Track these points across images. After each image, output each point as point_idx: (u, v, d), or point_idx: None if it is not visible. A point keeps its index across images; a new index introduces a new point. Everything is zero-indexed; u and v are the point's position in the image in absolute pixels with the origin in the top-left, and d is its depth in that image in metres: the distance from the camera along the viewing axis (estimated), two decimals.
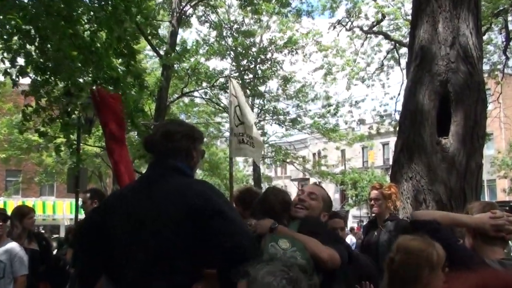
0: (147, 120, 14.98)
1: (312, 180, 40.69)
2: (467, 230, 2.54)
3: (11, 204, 20.20)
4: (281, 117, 22.24)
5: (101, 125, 4.42)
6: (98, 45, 6.19)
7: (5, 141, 21.76)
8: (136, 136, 15.72)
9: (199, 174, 31.20)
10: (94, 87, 5.85)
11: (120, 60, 6.78)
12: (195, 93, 21.27)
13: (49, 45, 5.92)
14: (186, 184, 2.15)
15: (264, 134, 22.36)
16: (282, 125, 22.69)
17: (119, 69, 6.57)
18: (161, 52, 15.94)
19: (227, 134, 24.10)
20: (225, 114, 22.44)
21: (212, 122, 23.33)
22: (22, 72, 5.95)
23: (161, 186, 2.16)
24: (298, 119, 22.86)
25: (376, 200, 4.56)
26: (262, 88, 21.88)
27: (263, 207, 2.80)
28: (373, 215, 4.77)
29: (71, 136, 7.74)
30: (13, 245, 4.52)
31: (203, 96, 21.39)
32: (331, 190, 45.01)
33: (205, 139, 24.02)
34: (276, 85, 22.74)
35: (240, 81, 18.69)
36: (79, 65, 5.84)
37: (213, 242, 2.05)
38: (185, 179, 2.20)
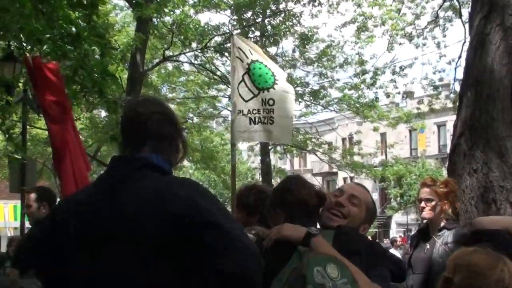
0: (118, 92, 15.39)
1: (342, 175, 41.36)
2: None
3: None
4: (299, 88, 21.18)
5: (40, 103, 4.49)
6: None
7: None
8: (104, 115, 16.40)
9: (187, 167, 31.27)
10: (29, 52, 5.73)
11: (77, 12, 6.80)
12: (182, 57, 20.73)
13: None
14: (165, 185, 2.12)
15: None
16: (301, 100, 21.80)
17: (79, 23, 6.61)
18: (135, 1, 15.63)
19: (225, 112, 24.15)
20: (222, 86, 22.12)
21: (205, 96, 22.37)
22: None
23: (129, 188, 2.12)
24: (322, 91, 22.27)
25: (427, 201, 4.53)
26: (272, 50, 20.81)
27: (288, 201, 2.78)
28: (424, 221, 4.78)
29: (15, 115, 7.66)
30: None
31: (192, 61, 20.67)
32: (368, 187, 43.10)
33: (195, 119, 24.00)
34: (291, 46, 21.90)
35: None
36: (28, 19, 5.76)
37: (205, 266, 1.98)
38: (162, 178, 2.17)
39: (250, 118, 5.79)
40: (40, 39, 5.91)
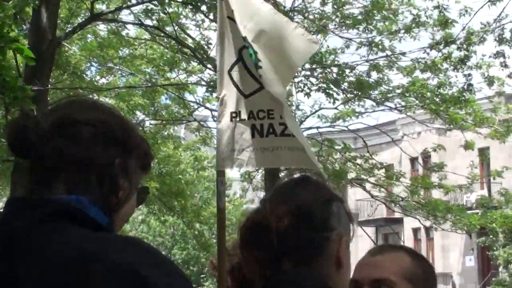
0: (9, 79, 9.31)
1: (410, 223, 30.58)
2: None
3: None
4: (333, 70, 13.47)
5: None
6: None
7: None
8: None
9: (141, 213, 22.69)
10: None
11: None
12: (123, 14, 13.80)
13: None
14: (92, 248, 1.48)
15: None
16: (337, 92, 13.59)
17: None
18: None
19: (204, 112, 16.33)
20: (196, 65, 14.67)
21: (166, 83, 14.74)
22: None
23: (32, 252, 1.53)
24: (374, 75, 13.59)
25: None
26: (287, 1, 12.67)
27: None
28: None
29: None
30: None
31: (143, 21, 13.02)
32: (457, 244, 32.23)
33: (148, 123, 16.34)
34: None
35: None
36: None
37: None
38: (89, 236, 1.51)
39: (254, 127, 4.06)
40: None
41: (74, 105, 1.66)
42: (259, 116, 4.12)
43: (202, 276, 31.94)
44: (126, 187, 1.60)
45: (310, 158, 4.33)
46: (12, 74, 12.05)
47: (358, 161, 15.59)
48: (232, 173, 21.21)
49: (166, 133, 16.18)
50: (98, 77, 15.57)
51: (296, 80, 13.08)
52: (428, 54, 13.20)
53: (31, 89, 10.75)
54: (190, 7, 12.11)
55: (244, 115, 4.12)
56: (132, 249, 1.49)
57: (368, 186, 16.28)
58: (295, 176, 2.09)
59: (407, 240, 31.60)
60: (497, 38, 12.60)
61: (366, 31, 13.11)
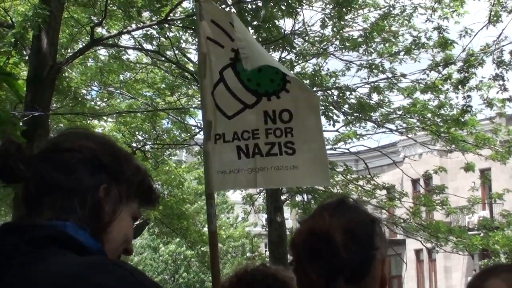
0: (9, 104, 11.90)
1: (412, 245, 29.96)
2: None
3: None
4: (334, 92, 12.92)
5: None
6: None
7: None
8: None
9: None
10: None
11: None
12: (124, 40, 13.46)
13: None
14: (76, 270, 1.49)
15: None
16: (337, 114, 13.00)
17: None
18: None
19: (198, 139, 15.11)
20: (197, 89, 13.31)
21: (167, 108, 14.12)
22: None
23: (17, 276, 1.54)
24: (375, 97, 13.21)
25: None
26: (287, 24, 12.65)
27: None
28: None
29: None
30: None
31: (143, 46, 12.62)
32: (460, 265, 31.39)
33: (148, 147, 15.94)
34: (318, 16, 12.61)
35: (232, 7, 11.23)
36: None
37: None
38: (75, 259, 1.53)
39: (240, 148, 3.92)
40: None
41: (66, 134, 1.72)
42: (243, 137, 4.00)
43: None
44: (110, 212, 1.60)
45: (308, 178, 4.24)
46: (3, 107, 11.77)
47: (360, 182, 15.15)
48: (234, 197, 20.92)
49: (167, 154, 15.72)
50: (99, 101, 15.19)
51: None
52: (427, 75, 12.80)
53: (31, 115, 10.32)
54: (190, 31, 11.64)
55: (228, 137, 3.99)
56: (115, 271, 1.47)
57: (369, 208, 15.28)
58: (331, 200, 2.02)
59: (410, 262, 31.15)
60: (495, 61, 12.10)
61: (366, 53, 12.67)
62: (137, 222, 1.78)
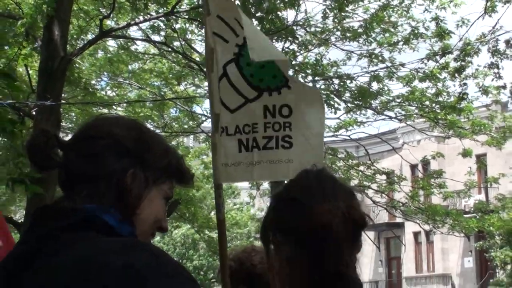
0: (20, 94, 10.62)
1: (410, 227, 30.30)
2: None
3: None
4: (335, 81, 13.01)
5: None
6: None
7: None
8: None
9: None
10: None
11: None
12: (132, 30, 13.90)
13: None
14: (103, 250, 1.49)
15: None
16: (338, 103, 13.14)
17: None
18: None
19: (206, 126, 15.21)
20: (203, 78, 13.70)
21: (173, 97, 14.49)
22: None
23: (52, 260, 1.55)
24: (375, 85, 13.25)
25: None
26: (290, 15, 12.20)
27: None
28: None
29: None
30: None
31: (151, 37, 12.65)
32: (456, 248, 31.85)
33: (158, 132, 15.47)
34: (320, 7, 12.59)
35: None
36: None
37: None
38: (103, 240, 1.54)
39: (241, 141, 3.78)
40: None
41: (95, 121, 1.71)
42: (244, 131, 3.92)
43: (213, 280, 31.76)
44: (137, 196, 1.60)
45: (295, 169, 3.87)
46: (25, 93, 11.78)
47: (361, 168, 15.11)
48: (241, 183, 20.92)
49: (175, 142, 15.66)
50: (109, 91, 15.26)
51: None
52: (425, 64, 12.84)
53: (43, 105, 10.35)
54: (196, 23, 11.73)
55: (231, 130, 3.92)
56: (139, 250, 1.47)
57: (370, 192, 15.73)
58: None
59: (408, 244, 31.33)
60: (491, 50, 12.13)
61: (366, 43, 12.69)
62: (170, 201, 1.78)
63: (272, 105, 3.83)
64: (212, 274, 30.81)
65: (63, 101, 12.18)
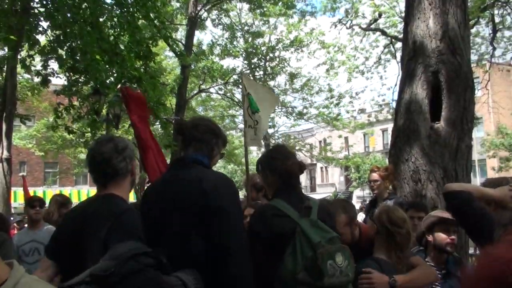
0: (169, 114, 17.98)
1: (319, 165, 50.86)
2: (486, 203, 3.01)
3: (50, 193, 25.13)
4: (289, 109, 28.00)
5: (130, 118, 5.52)
6: (122, 47, 7.72)
7: (42, 137, 27.69)
8: (160, 129, 18.94)
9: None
10: (120, 86, 7.39)
11: (140, 62, 8.24)
12: (211, 89, 27.00)
13: (77, 49, 7.36)
14: (202, 174, 2.68)
15: (273, 126, 29.27)
16: (290, 117, 28.07)
17: (141, 70, 8.09)
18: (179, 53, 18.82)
19: (241, 126, 29.25)
20: (238, 108, 27.97)
21: (227, 114, 29.98)
22: (50, 74, 7.78)
23: (185, 174, 2.71)
24: (305, 110, 28.06)
25: (375, 181, 5.59)
26: (271, 83, 26.53)
27: (276, 168, 3.08)
28: (374, 195, 5.75)
29: (101, 131, 9.15)
30: (52, 228, 5.30)
31: (218, 92, 26.75)
32: (337, 173, 53.47)
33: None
34: (284, 80, 28.31)
35: (251, 77, 22.34)
36: (106, 66, 7.42)
37: (206, 233, 2.50)
38: (202, 169, 2.75)
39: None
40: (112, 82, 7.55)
41: (199, 119, 2.95)
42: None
43: None
44: (215, 150, 2.87)
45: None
46: (170, 114, 17.46)
47: (300, 143, 33.76)
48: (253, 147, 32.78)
49: (228, 132, 30.64)
50: (202, 112, 29.97)
51: None
52: (324, 101, 29.06)
53: (175, 118, 16.33)
54: (235, 86, 25.77)
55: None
56: (218, 174, 2.69)
57: (303, 151, 32.33)
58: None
59: (318, 172, 55.35)
60: (350, 95, 27.63)
61: (302, 93, 28.67)
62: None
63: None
64: None
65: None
